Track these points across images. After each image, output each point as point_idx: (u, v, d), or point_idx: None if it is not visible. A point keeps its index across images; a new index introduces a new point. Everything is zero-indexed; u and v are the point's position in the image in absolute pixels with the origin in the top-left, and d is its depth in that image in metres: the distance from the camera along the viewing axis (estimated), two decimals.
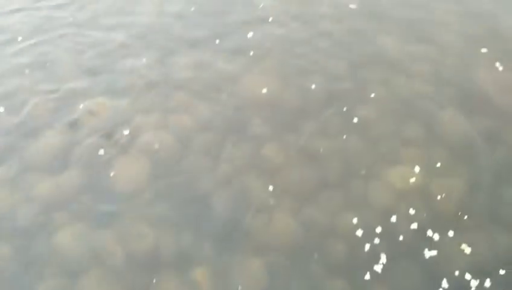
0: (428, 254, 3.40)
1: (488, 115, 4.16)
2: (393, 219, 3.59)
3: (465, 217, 3.57)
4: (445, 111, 4.22)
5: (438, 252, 3.40)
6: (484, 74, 4.50)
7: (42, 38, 5.20)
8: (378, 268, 3.36)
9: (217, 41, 5.01)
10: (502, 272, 3.29)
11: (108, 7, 5.56)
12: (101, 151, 4.10)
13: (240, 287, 3.31)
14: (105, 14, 5.47)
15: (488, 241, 3.44)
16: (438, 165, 3.85)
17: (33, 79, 4.77)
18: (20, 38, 5.19)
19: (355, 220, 3.58)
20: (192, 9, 5.44)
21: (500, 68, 4.52)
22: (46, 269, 3.47)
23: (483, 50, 4.73)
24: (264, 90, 4.48)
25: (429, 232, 3.49)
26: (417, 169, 3.83)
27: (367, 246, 3.46)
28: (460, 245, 3.42)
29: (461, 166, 3.83)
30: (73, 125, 4.31)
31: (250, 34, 5.06)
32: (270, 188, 3.80)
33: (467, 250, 3.40)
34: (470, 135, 4.05)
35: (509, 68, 4.54)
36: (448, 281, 3.27)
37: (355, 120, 4.19)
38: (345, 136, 4.08)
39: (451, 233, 3.48)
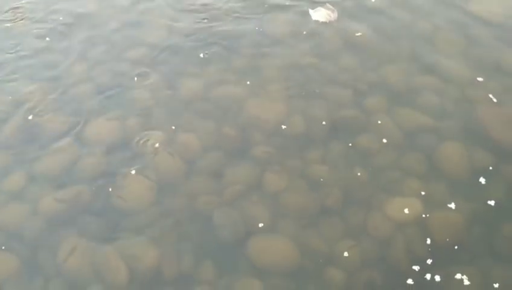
0: (427, 285, 3.45)
1: (488, 149, 4.22)
2: (392, 249, 3.64)
3: (463, 250, 3.62)
4: (446, 144, 4.29)
5: (437, 284, 3.45)
6: (484, 108, 4.57)
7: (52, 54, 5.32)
8: None
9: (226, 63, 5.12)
10: None
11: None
12: (107, 168, 4.18)
13: None
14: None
15: (485, 274, 3.49)
16: (437, 197, 3.91)
17: (43, 91, 4.85)
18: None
19: (353, 248, 3.64)
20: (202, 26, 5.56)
21: (495, 100, 4.59)
22: (51, 284, 3.55)
23: (480, 79, 4.79)
24: (269, 115, 4.56)
25: (427, 264, 3.54)
26: (417, 201, 3.88)
27: (365, 275, 3.51)
28: (458, 277, 3.47)
29: (460, 199, 3.89)
30: (81, 140, 4.40)
31: (258, 57, 5.16)
32: (272, 211, 3.87)
33: (466, 282, 3.44)
34: (470, 168, 4.12)
35: (506, 102, 4.60)
36: None
37: (357, 149, 4.26)
38: (346, 165, 4.15)
39: (449, 265, 3.53)
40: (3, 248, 3.75)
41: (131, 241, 3.74)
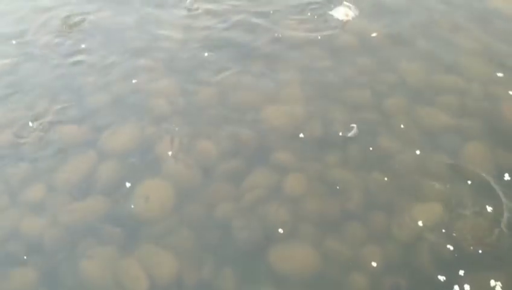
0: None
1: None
2: (416, 254, 3.56)
3: (489, 254, 3.52)
4: (469, 144, 4.20)
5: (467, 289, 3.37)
6: (506, 105, 4.46)
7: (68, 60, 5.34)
8: None
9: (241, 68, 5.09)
10: None
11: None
12: (125, 177, 4.16)
13: None
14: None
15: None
16: (462, 200, 3.82)
17: (59, 103, 4.87)
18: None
19: (377, 254, 3.57)
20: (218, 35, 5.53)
21: None
22: None
23: (500, 75, 4.71)
24: (287, 119, 4.51)
25: (453, 269, 3.45)
26: (440, 204, 3.79)
27: (389, 281, 3.44)
28: (485, 283, 3.38)
29: (485, 201, 3.79)
30: (99, 150, 4.39)
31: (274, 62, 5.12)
32: (292, 218, 3.81)
33: (497, 287, 3.35)
34: (495, 169, 4.02)
35: None
36: None
37: (378, 152, 4.19)
38: (367, 168, 4.08)
39: (475, 270, 3.44)
40: (24, 257, 3.75)
41: (151, 250, 3.72)
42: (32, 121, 4.69)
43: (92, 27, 5.79)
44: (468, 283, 3.37)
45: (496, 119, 4.37)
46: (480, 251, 3.54)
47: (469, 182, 3.93)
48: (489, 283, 3.38)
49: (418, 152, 4.15)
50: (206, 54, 5.28)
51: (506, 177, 3.94)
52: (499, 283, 3.37)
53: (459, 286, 3.36)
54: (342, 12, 5.52)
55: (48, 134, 4.58)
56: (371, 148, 4.21)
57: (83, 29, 5.78)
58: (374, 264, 3.52)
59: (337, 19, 5.52)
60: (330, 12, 5.59)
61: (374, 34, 5.31)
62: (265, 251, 3.66)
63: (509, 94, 4.55)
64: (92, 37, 5.66)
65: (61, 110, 4.79)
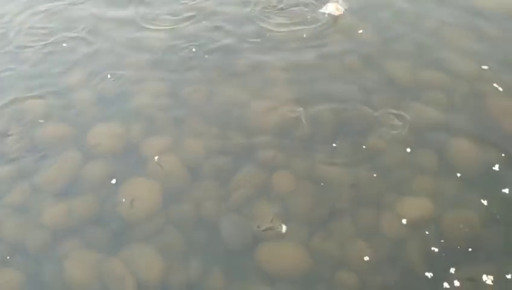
0: (442, 286, 3.34)
1: (499, 142, 4.11)
2: (405, 250, 3.53)
3: (479, 248, 3.51)
4: (456, 139, 4.19)
5: (452, 285, 3.34)
6: (492, 100, 4.47)
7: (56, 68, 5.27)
8: None
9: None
10: None
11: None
12: (111, 177, 4.10)
13: None
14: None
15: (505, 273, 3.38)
16: (450, 195, 3.80)
17: (47, 102, 4.81)
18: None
19: (366, 250, 3.54)
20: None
21: (503, 92, 4.49)
22: None
23: (485, 67, 4.72)
24: (274, 116, 4.48)
25: (443, 264, 3.43)
26: (429, 199, 3.77)
27: (378, 278, 3.41)
28: (474, 277, 3.36)
29: (474, 196, 3.78)
30: (84, 149, 4.33)
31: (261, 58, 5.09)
32: (280, 215, 3.77)
33: (485, 282, 3.33)
34: (484, 163, 4.01)
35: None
36: None
37: (365, 148, 4.16)
38: (355, 165, 4.05)
39: (465, 265, 3.42)
40: (8, 257, 3.69)
41: (137, 251, 3.66)
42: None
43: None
44: (457, 279, 3.35)
45: (482, 114, 4.36)
46: (469, 246, 3.52)
47: (458, 175, 3.92)
48: (479, 279, 3.35)
49: (406, 147, 4.13)
50: (194, 50, 5.24)
51: (496, 168, 3.93)
52: (490, 278, 3.35)
53: (448, 282, 3.33)
54: (333, 8, 5.50)
55: (32, 131, 4.53)
56: (358, 144, 4.18)
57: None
58: (363, 261, 3.49)
59: (329, 14, 5.48)
60: (320, 10, 5.56)
61: (360, 31, 5.30)
62: (254, 249, 3.61)
63: (494, 87, 4.55)
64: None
65: (47, 107, 4.75)
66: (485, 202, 3.72)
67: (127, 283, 3.50)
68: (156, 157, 4.22)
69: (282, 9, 5.67)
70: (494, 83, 4.58)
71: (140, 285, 3.50)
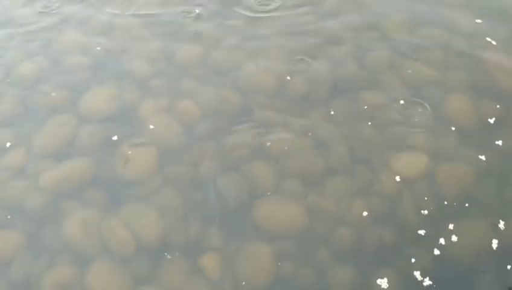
0: (436, 240, 3.39)
1: (495, 98, 4.11)
2: (401, 205, 3.58)
3: (473, 201, 3.55)
4: (452, 95, 4.18)
5: (447, 237, 3.40)
6: (488, 56, 4.44)
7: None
8: (386, 254, 3.38)
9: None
10: None
11: None
12: (108, 139, 4.10)
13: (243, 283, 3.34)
14: None
15: (495, 226, 3.44)
16: (445, 150, 3.83)
17: (42, 68, 4.77)
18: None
19: (362, 207, 3.58)
20: None
21: (498, 46, 4.48)
22: (56, 258, 3.53)
23: (478, 21, 4.71)
24: (269, 76, 4.44)
25: (437, 218, 3.49)
26: (424, 155, 3.80)
27: (375, 233, 3.46)
28: (468, 230, 3.42)
29: (468, 150, 3.81)
30: (81, 113, 4.32)
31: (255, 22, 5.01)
32: (277, 174, 3.79)
33: (475, 234, 3.38)
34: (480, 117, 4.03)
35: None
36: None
37: (362, 106, 4.15)
38: (351, 123, 4.06)
39: (458, 218, 3.48)
40: (8, 217, 3.74)
41: (136, 212, 3.69)
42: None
43: None
44: (455, 234, 3.40)
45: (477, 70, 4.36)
46: (466, 201, 3.56)
47: (453, 128, 3.94)
48: (477, 232, 3.42)
49: (402, 105, 4.13)
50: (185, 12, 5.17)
51: (491, 121, 3.96)
52: (474, 229, 3.42)
53: (444, 238, 3.38)
54: None
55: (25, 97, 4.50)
56: (354, 102, 4.18)
57: None
58: (359, 217, 3.54)
59: None
60: None
61: None
62: (251, 208, 3.65)
63: (487, 40, 4.53)
64: None
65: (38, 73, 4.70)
66: (482, 156, 3.77)
67: (127, 243, 3.54)
68: (151, 114, 4.22)
69: None
70: (489, 37, 4.57)
71: (141, 245, 3.54)
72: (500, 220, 3.45)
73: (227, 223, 3.60)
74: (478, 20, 4.73)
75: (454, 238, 3.39)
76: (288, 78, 4.40)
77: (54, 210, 3.74)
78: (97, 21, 5.19)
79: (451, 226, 3.44)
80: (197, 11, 5.15)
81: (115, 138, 4.10)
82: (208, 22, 5.03)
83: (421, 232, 3.43)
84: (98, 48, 4.88)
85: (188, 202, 3.72)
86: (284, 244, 3.49)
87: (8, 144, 4.15)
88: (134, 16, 5.21)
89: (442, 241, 3.38)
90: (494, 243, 3.35)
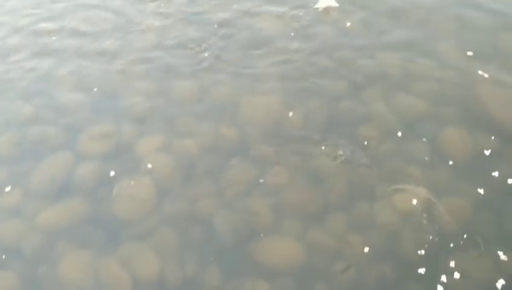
0: (438, 275, 3.36)
1: (490, 130, 4.14)
2: (400, 240, 3.55)
3: (472, 235, 3.52)
4: (447, 129, 4.21)
5: (448, 272, 3.36)
6: (481, 89, 4.49)
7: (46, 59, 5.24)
8: None
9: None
10: None
11: None
12: (105, 177, 4.08)
13: None
14: None
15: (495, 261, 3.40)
16: (442, 184, 3.82)
17: (35, 105, 4.79)
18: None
19: (361, 243, 3.55)
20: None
21: (491, 80, 4.53)
22: None
23: (470, 53, 4.78)
24: (266, 112, 4.47)
25: (437, 253, 3.46)
26: (422, 189, 3.79)
27: (375, 269, 3.42)
28: (467, 264, 3.38)
29: (465, 184, 3.81)
30: (77, 150, 4.31)
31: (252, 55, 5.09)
32: (274, 210, 3.77)
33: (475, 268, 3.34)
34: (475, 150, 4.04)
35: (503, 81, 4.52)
36: None
37: (358, 141, 4.17)
38: (348, 157, 4.06)
39: (458, 252, 3.44)
40: (3, 257, 3.68)
41: (133, 251, 3.65)
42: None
43: None
44: (456, 270, 3.36)
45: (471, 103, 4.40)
46: (465, 234, 3.54)
47: (450, 162, 3.95)
48: (477, 267, 3.38)
49: (398, 139, 4.14)
50: (182, 50, 5.24)
51: (486, 153, 3.97)
52: (474, 263, 3.38)
53: (446, 275, 3.34)
54: (325, 2, 5.51)
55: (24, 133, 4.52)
56: (350, 137, 4.19)
57: None
58: (359, 253, 3.50)
59: (322, 8, 5.50)
60: (315, 6, 5.57)
61: (348, 24, 5.30)
62: (250, 245, 3.61)
63: (479, 74, 4.59)
64: None
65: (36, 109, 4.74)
66: (476, 189, 3.76)
67: (123, 282, 3.49)
68: (149, 151, 4.22)
69: None
70: (482, 71, 4.62)
71: (137, 284, 3.49)
72: (502, 254, 3.42)
73: (225, 261, 3.55)
74: (469, 53, 4.80)
75: (456, 275, 3.35)
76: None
77: (49, 250, 3.70)
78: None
79: (452, 264, 3.40)
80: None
81: (110, 175, 4.09)
82: None
83: (422, 268, 3.39)
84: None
85: (186, 240, 3.68)
86: (284, 281, 3.44)
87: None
88: None
89: (444, 278, 3.34)
90: (498, 280, 3.31)
